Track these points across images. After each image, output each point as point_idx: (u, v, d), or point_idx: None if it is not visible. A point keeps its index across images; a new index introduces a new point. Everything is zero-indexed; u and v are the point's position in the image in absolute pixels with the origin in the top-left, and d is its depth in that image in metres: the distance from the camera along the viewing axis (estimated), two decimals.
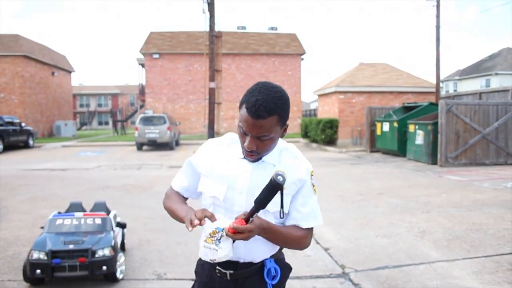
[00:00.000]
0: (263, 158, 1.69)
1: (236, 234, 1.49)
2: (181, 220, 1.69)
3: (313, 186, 1.76)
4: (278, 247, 1.78)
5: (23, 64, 27.21)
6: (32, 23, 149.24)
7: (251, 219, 1.50)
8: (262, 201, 1.49)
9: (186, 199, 1.89)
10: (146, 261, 4.74)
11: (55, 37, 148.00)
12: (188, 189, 1.86)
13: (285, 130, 1.68)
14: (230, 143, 1.76)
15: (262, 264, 1.72)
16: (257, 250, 1.69)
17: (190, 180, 1.84)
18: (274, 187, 1.46)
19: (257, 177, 1.64)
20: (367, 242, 5.34)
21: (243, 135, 1.61)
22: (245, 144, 1.60)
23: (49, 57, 31.70)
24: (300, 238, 1.72)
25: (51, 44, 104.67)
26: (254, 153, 1.62)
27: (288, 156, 1.74)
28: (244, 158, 1.69)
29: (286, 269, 1.82)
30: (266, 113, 1.53)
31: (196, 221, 1.52)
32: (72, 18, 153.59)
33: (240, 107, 1.61)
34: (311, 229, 1.76)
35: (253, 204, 1.51)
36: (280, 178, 1.45)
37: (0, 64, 26.86)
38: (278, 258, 1.78)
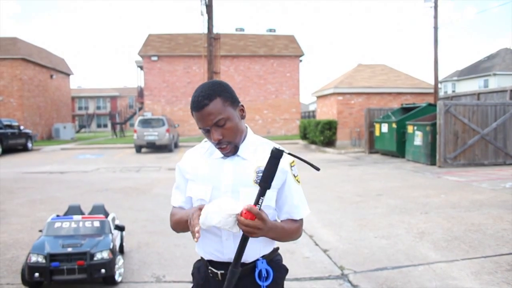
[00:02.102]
0: (241, 155, 1.72)
1: (247, 226, 1.48)
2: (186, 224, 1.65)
3: (295, 176, 1.78)
4: (271, 247, 1.79)
5: (21, 67, 27.20)
6: (31, 26, 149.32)
7: (259, 203, 1.52)
8: (266, 178, 1.52)
9: None
10: (145, 263, 4.73)
11: (53, 40, 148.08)
12: (188, 201, 1.84)
13: (242, 110, 1.72)
14: (209, 147, 1.79)
15: (254, 265, 1.72)
16: (248, 250, 1.67)
17: (186, 191, 1.84)
18: (276, 157, 1.51)
19: (239, 174, 1.68)
20: (366, 243, 5.34)
21: (207, 134, 1.67)
22: (212, 138, 1.65)
23: (48, 60, 31.70)
24: (298, 229, 1.78)
25: (49, 47, 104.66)
26: (224, 143, 1.66)
27: (268, 149, 1.72)
28: (222, 157, 1.72)
29: (281, 270, 1.81)
30: (206, 99, 1.61)
31: (197, 228, 1.50)
32: (71, 21, 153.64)
33: (192, 113, 1.68)
34: (302, 219, 1.82)
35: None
36: (276, 148, 1.53)
37: None
38: (273, 259, 1.78)
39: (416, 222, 6.23)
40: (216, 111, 1.61)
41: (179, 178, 1.86)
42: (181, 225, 1.73)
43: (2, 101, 26.97)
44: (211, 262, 1.75)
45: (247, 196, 1.64)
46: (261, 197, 1.53)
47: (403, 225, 6.12)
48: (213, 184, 1.70)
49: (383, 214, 6.80)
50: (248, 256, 1.70)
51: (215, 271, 1.73)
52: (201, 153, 1.80)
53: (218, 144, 1.66)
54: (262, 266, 1.72)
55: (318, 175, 11.26)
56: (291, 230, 1.74)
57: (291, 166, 1.77)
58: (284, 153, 1.55)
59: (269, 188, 1.54)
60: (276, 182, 1.67)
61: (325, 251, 5.07)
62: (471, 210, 6.91)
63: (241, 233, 1.54)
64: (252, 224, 1.48)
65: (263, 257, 1.74)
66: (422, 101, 19.01)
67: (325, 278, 4.29)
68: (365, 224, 6.21)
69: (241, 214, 1.48)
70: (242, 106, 1.73)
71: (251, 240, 1.63)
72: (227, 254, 1.69)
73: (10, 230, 6.14)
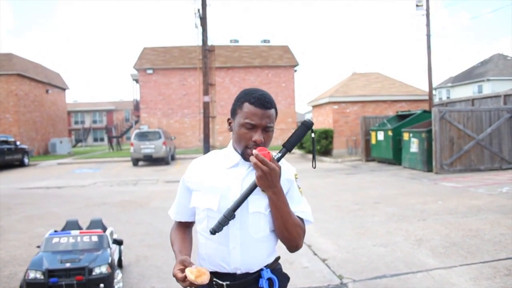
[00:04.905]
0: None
1: (262, 162, 1.54)
2: None
3: (299, 188, 1.81)
4: (274, 256, 1.80)
5: (17, 82, 27.20)
6: (25, 41, 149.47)
7: (275, 157, 1.61)
8: (292, 141, 1.65)
9: (191, 223, 1.92)
10: (144, 277, 4.72)
11: (48, 55, 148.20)
12: (186, 213, 1.87)
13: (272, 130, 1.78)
14: (216, 157, 1.82)
15: (258, 274, 1.73)
16: (253, 258, 1.70)
17: (186, 204, 1.85)
18: (307, 126, 1.66)
19: (249, 182, 1.67)
20: (364, 251, 5.34)
21: (248, 132, 1.67)
22: (255, 137, 1.66)
23: (43, 75, 31.72)
24: (300, 225, 1.74)
25: (44, 62, 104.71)
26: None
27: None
28: (234, 165, 1.74)
29: (283, 278, 1.82)
30: (270, 104, 1.70)
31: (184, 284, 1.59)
32: (66, 36, 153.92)
33: (240, 107, 1.70)
34: (305, 229, 1.79)
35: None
36: (309, 119, 1.68)
37: None
38: (275, 268, 1.79)
39: (414, 229, 6.25)
40: (272, 118, 1.70)
41: (180, 189, 1.87)
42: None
43: None
44: (215, 274, 1.74)
45: (256, 204, 1.68)
46: (278, 154, 1.65)
47: (401, 232, 6.14)
48: (221, 193, 1.70)
49: (381, 222, 6.81)
50: (253, 265, 1.71)
51: (220, 282, 1.72)
52: (207, 164, 1.80)
53: (254, 145, 1.66)
54: (268, 275, 1.73)
55: (315, 184, 11.27)
56: (294, 217, 1.70)
57: (295, 178, 1.81)
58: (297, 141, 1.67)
59: (290, 151, 1.67)
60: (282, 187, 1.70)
61: (323, 260, 5.07)
62: (468, 216, 6.93)
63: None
64: (259, 164, 1.54)
65: (266, 266, 1.75)
66: (417, 108, 19.09)
67: (324, 287, 4.29)
68: (363, 233, 6.22)
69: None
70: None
71: (255, 249, 1.69)
72: (233, 263, 1.69)
73: (7, 246, 6.11)
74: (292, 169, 1.82)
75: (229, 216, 1.61)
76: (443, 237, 5.76)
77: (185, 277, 1.56)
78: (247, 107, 1.68)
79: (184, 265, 1.61)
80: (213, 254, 1.72)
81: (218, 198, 1.70)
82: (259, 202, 1.68)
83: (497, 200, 8.11)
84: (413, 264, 4.77)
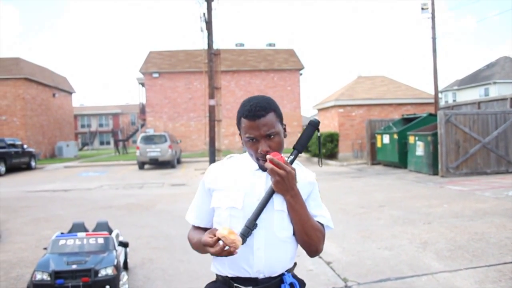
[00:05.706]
0: None
1: (278, 167, 1.57)
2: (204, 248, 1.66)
3: (319, 192, 1.84)
4: (294, 261, 1.78)
5: (24, 86, 27.44)
6: (32, 45, 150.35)
7: (289, 161, 1.63)
8: (302, 142, 1.70)
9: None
10: (149, 279, 4.75)
11: (55, 59, 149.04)
12: (206, 218, 1.82)
13: (285, 129, 1.77)
14: (235, 161, 1.81)
15: (280, 279, 1.70)
16: (277, 260, 1.68)
17: (206, 208, 1.81)
18: (314, 125, 1.71)
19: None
20: (369, 254, 5.34)
21: (253, 144, 1.67)
22: (260, 149, 1.65)
23: (50, 79, 31.96)
24: (319, 229, 1.73)
25: (51, 66, 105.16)
26: None
27: (297, 166, 1.78)
28: (257, 169, 1.72)
29: (301, 284, 1.80)
30: (263, 111, 1.65)
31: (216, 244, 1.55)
32: (72, 40, 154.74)
33: (239, 122, 1.71)
34: (324, 233, 1.78)
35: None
36: (315, 119, 1.72)
37: (1, 87, 27.06)
38: (293, 274, 1.77)
39: (419, 233, 6.24)
40: (270, 124, 1.66)
41: (199, 192, 1.84)
42: (200, 249, 1.74)
43: (5, 120, 27.15)
44: (236, 279, 1.69)
45: (279, 204, 1.67)
46: (291, 156, 1.67)
47: (406, 235, 6.13)
48: (245, 191, 1.68)
49: (386, 225, 6.80)
50: (276, 268, 1.68)
51: (242, 287, 1.67)
52: (228, 166, 1.79)
53: (263, 157, 1.65)
54: (290, 279, 1.70)
55: (321, 188, 11.22)
56: (313, 221, 1.71)
57: (316, 183, 1.83)
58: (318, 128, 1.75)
59: (301, 152, 1.69)
60: (304, 190, 1.72)
61: (328, 263, 5.08)
62: (474, 219, 6.90)
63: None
64: (272, 168, 1.57)
65: (287, 271, 1.73)
66: (423, 111, 19.05)
67: None
68: (368, 236, 6.22)
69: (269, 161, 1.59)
70: (285, 125, 1.78)
71: (279, 250, 1.67)
72: (256, 266, 1.65)
73: (14, 248, 6.17)
74: (312, 173, 1.83)
75: (252, 226, 1.60)
76: (448, 241, 5.75)
77: (217, 240, 1.54)
78: (243, 121, 1.68)
79: (214, 233, 1.59)
80: (235, 256, 1.61)
81: (242, 196, 1.67)
82: (283, 200, 1.66)
83: (503, 204, 8.07)
84: (418, 267, 4.77)
